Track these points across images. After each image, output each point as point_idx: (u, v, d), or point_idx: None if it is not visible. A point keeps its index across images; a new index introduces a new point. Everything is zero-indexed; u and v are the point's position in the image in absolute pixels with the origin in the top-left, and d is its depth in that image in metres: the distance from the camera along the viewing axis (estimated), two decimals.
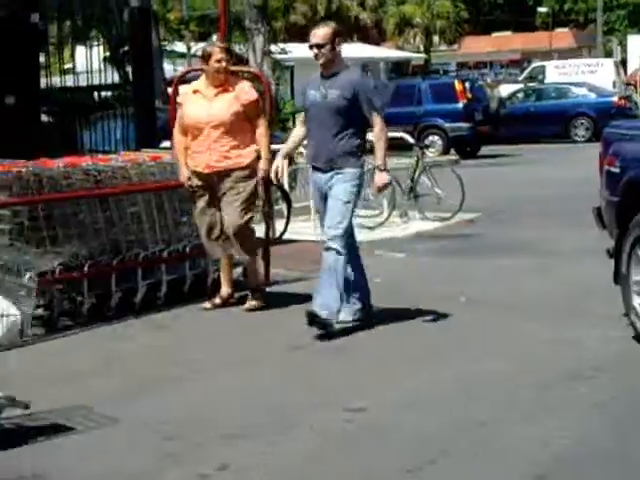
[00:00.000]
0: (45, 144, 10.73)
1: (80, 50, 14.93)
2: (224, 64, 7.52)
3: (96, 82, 12.82)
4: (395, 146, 14.17)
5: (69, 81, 14.04)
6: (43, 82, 12.48)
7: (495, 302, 7.98)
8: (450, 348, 6.73)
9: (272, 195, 9.31)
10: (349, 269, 7.14)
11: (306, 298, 7.46)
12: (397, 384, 5.97)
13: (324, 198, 7.14)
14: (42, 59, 12.58)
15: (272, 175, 7.38)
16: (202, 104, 7.58)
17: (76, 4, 13.85)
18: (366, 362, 6.47)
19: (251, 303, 7.84)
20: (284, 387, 5.99)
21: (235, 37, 30.28)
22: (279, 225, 10.82)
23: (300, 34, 51.79)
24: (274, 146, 8.06)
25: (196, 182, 7.69)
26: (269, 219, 8.78)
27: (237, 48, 30.52)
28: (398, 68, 50.39)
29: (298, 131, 7.50)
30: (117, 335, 7.21)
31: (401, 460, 4.78)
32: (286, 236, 10.83)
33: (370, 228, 11.81)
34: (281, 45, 34.93)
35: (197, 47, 37.99)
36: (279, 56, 32.94)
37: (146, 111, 12.00)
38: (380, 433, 5.17)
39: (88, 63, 13.04)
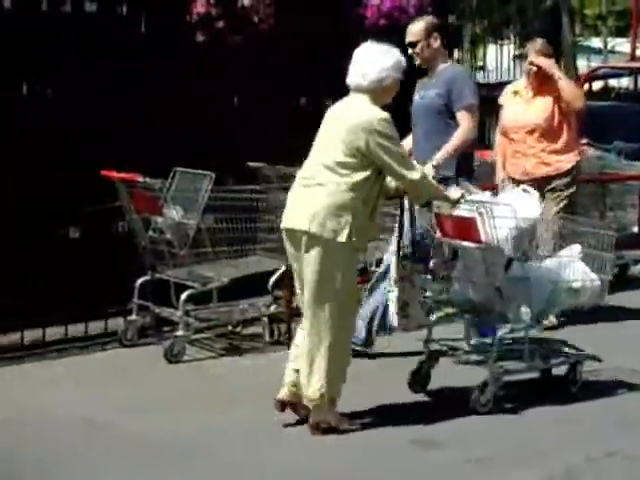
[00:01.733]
0: None
1: (491, 48, 15.33)
2: (534, 68, 7.05)
3: (504, 79, 13.17)
4: None
5: (479, 78, 14.55)
6: None
7: None
8: None
9: None
10: None
11: None
12: None
13: None
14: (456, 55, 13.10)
15: None
16: (518, 107, 7.17)
17: (493, 5, 14.24)
18: None
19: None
20: None
21: None
22: None
23: None
24: None
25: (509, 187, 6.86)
26: None
27: None
28: None
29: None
30: None
31: None
32: None
33: None
34: None
35: (614, 43, 37.17)
36: None
37: None
38: None
39: (498, 61, 13.39)
